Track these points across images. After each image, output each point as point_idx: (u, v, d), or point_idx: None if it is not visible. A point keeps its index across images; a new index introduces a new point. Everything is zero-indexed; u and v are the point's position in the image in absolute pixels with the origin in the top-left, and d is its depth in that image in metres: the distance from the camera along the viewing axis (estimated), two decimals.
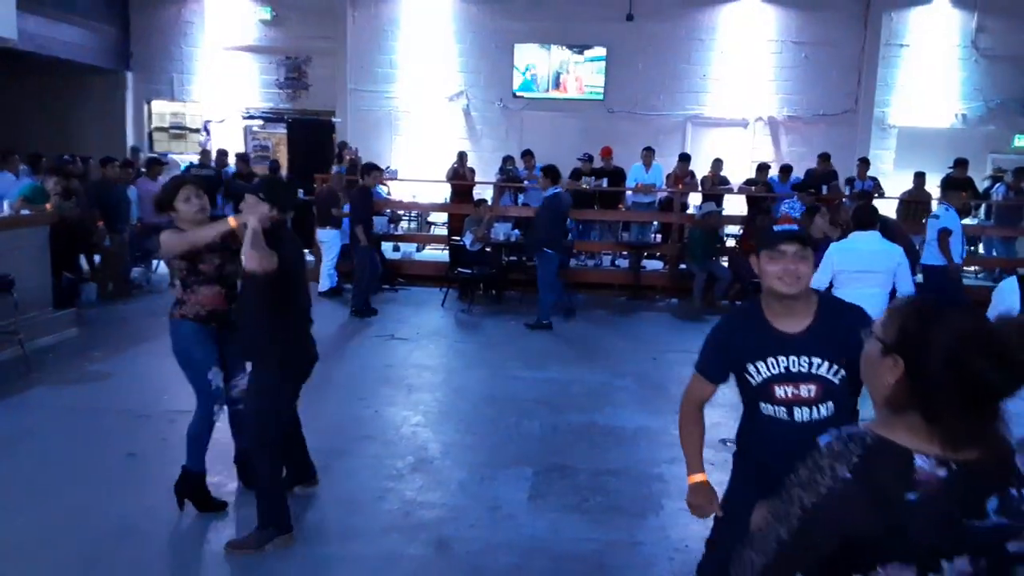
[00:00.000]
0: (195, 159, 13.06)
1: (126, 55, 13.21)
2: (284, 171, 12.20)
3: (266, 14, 12.99)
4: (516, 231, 10.47)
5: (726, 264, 9.79)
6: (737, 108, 13.14)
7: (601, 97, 13.08)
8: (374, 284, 9.16)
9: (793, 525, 1.37)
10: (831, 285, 5.48)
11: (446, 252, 10.61)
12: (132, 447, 4.78)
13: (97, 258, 9.09)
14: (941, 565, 1.34)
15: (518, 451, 4.92)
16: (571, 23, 12.90)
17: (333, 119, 13.04)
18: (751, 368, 2.36)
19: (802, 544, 1.37)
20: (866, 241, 5.35)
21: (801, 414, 2.34)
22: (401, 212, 12.61)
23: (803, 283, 2.31)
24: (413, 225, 13.03)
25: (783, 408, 2.35)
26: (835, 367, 2.32)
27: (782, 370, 2.33)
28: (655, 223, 11.45)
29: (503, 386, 6.26)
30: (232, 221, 3.59)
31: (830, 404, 2.34)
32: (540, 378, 6.49)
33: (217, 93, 13.24)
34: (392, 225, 11.82)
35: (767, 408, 2.37)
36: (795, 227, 2.35)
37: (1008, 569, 1.35)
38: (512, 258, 10.01)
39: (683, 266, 10.02)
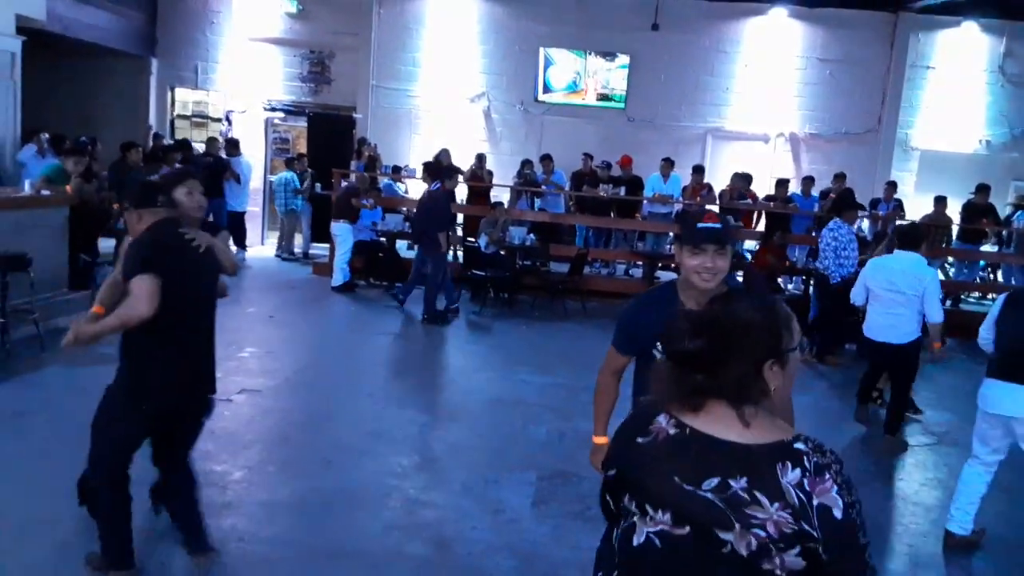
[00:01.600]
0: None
1: (152, 41, 13.30)
2: (305, 164, 12.23)
3: (292, 7, 13.05)
4: (532, 236, 10.48)
5: (740, 279, 9.74)
6: (759, 123, 13.09)
7: (622, 105, 13.07)
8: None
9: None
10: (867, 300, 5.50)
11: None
12: None
13: (114, 241, 9.16)
14: (647, 510, 1.51)
15: (523, 455, 4.91)
16: (596, 29, 12.89)
17: (354, 115, 13.08)
18: (660, 344, 2.44)
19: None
20: (900, 261, 5.32)
21: None
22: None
23: (719, 278, 2.43)
24: None
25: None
26: None
27: None
28: (671, 234, 11.42)
29: (511, 389, 6.26)
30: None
31: None
32: (549, 383, 6.48)
33: (240, 83, 13.30)
34: (407, 224, 11.84)
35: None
36: (718, 226, 2.44)
37: (708, 552, 1.42)
38: (526, 262, 10.00)
39: None
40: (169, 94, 13.49)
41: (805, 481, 1.39)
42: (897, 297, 5.25)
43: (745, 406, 1.47)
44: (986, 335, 4.08)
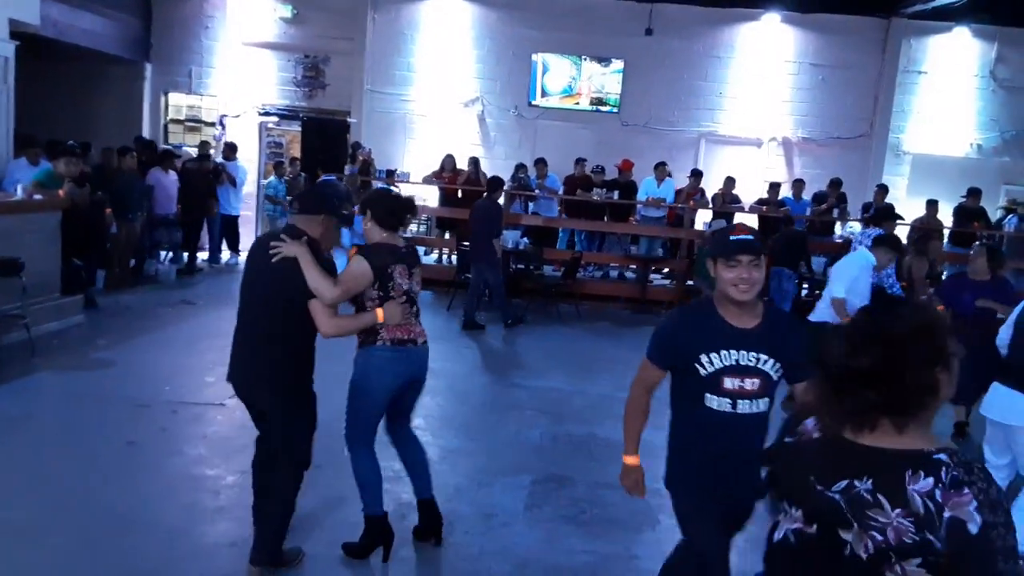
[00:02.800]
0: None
1: (146, 46, 13.28)
2: (297, 168, 12.23)
3: (287, 12, 13.06)
4: (525, 239, 10.49)
5: None
6: (752, 127, 13.13)
7: (616, 110, 13.10)
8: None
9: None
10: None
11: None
12: (132, 436, 4.79)
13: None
14: (787, 507, 1.57)
15: (517, 459, 4.91)
16: (590, 35, 12.93)
17: (348, 119, 13.08)
18: (703, 358, 2.49)
19: None
20: None
21: (743, 406, 2.50)
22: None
23: (755, 289, 2.47)
24: (422, 228, 13.05)
25: (728, 400, 2.50)
26: (777, 364, 2.50)
27: (732, 362, 2.48)
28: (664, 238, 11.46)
29: (505, 393, 6.26)
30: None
31: (766, 399, 2.54)
32: (542, 387, 6.48)
33: (234, 88, 13.29)
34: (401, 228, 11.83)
35: (711, 399, 2.51)
36: (751, 237, 2.48)
37: (832, 552, 1.44)
38: (520, 266, 10.01)
39: (690, 282, 10.01)
40: (163, 99, 13.48)
41: (937, 492, 1.35)
42: None
43: (910, 417, 1.44)
44: (1004, 335, 4.10)
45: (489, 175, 12.06)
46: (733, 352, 2.48)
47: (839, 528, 1.43)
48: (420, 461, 3.76)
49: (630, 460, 2.81)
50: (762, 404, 2.53)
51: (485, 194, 9.06)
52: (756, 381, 2.49)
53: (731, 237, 2.48)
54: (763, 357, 2.49)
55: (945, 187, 11.86)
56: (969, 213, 11.06)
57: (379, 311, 3.36)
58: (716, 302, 2.56)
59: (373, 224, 3.50)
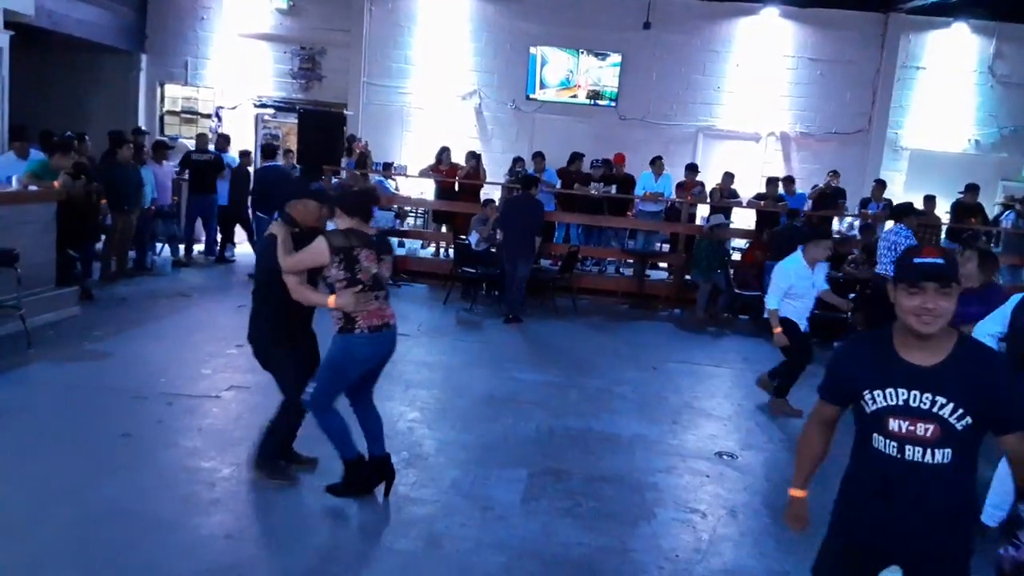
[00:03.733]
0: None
1: (141, 36, 13.22)
2: (294, 160, 12.19)
3: (283, 3, 13.01)
4: None
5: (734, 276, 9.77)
6: (750, 122, 13.12)
7: (613, 103, 13.08)
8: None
9: None
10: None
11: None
12: (128, 427, 4.77)
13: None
14: None
15: (513, 452, 4.90)
16: (587, 28, 12.90)
17: (345, 111, 13.04)
18: (867, 396, 2.24)
19: None
20: None
21: (913, 453, 2.19)
22: (408, 208, 12.60)
23: (942, 321, 2.13)
24: (419, 222, 13.02)
25: (894, 443, 2.20)
26: (960, 411, 2.14)
27: (900, 403, 2.19)
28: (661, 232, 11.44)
29: (501, 387, 6.25)
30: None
31: (948, 451, 2.17)
32: (539, 380, 6.48)
33: (230, 80, 13.24)
34: (398, 220, 11.81)
35: (878, 440, 2.24)
36: (940, 261, 2.13)
37: None
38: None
39: (688, 277, 10.00)
40: (159, 90, 13.43)
41: None
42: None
43: None
44: (990, 326, 4.05)
45: (487, 169, 12.09)
46: (902, 391, 2.18)
47: None
48: (378, 424, 4.16)
49: (793, 492, 2.56)
50: (940, 455, 2.17)
51: (518, 190, 9.25)
52: (930, 427, 2.16)
53: (915, 260, 2.15)
54: (940, 400, 2.14)
55: (943, 183, 11.87)
56: (967, 209, 11.06)
57: (331, 298, 3.75)
58: (895, 332, 2.25)
59: (344, 216, 3.91)
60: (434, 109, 13.24)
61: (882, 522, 2.25)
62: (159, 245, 10.59)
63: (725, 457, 5.15)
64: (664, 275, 11.16)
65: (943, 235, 11.19)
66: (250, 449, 4.35)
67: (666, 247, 11.37)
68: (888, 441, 2.21)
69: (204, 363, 6.20)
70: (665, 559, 3.75)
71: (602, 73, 13.09)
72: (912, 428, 2.17)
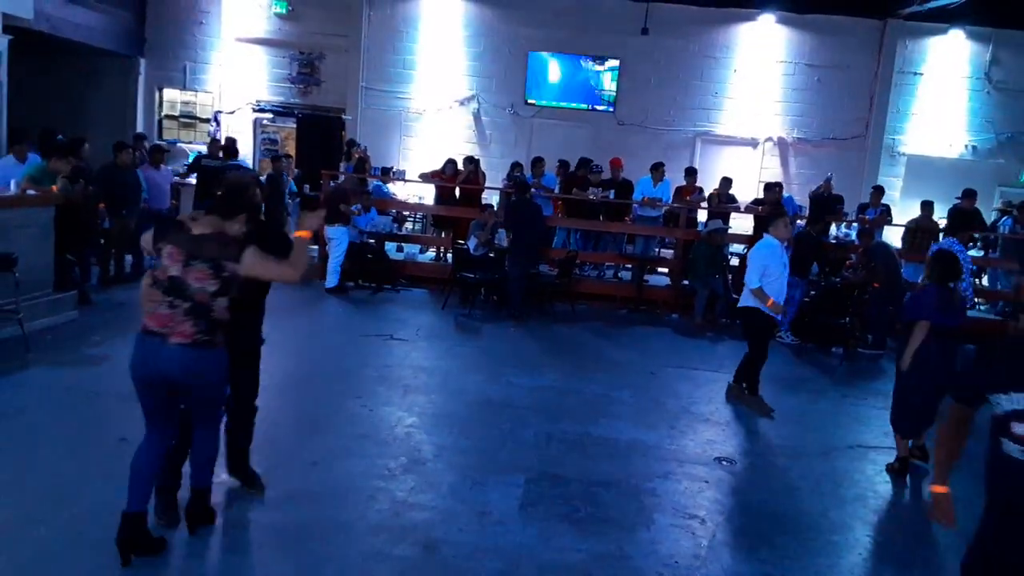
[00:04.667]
0: (203, 148, 13.10)
1: (140, 41, 13.24)
2: (290, 164, 12.21)
3: (282, 8, 13.03)
4: None
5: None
6: (747, 127, 13.15)
7: (611, 109, 13.10)
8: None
9: None
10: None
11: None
12: (125, 432, 4.74)
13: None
14: None
15: (511, 458, 4.90)
16: (586, 34, 12.93)
17: (343, 116, 13.06)
18: (995, 398, 2.24)
19: None
20: None
21: None
22: (407, 213, 12.60)
23: None
24: (417, 227, 13.03)
25: (1020, 448, 2.18)
26: None
27: None
28: (661, 237, 11.45)
29: (499, 392, 6.24)
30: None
31: None
32: (537, 386, 6.48)
33: (229, 84, 13.26)
34: (396, 225, 11.81)
35: (1007, 444, 2.21)
36: None
37: None
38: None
39: (685, 282, 10.00)
40: (157, 94, 13.44)
41: None
42: None
43: None
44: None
45: (485, 174, 12.08)
46: None
47: None
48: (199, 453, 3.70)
49: (935, 489, 2.56)
50: None
51: (515, 193, 9.51)
52: None
53: None
54: None
55: (940, 188, 11.90)
56: (964, 215, 11.08)
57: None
58: None
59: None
60: (432, 114, 13.26)
61: (1013, 531, 2.20)
62: None
63: (724, 463, 5.14)
64: (665, 280, 11.16)
65: (940, 240, 11.21)
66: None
67: (667, 252, 11.36)
68: (1014, 446, 2.18)
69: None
70: (664, 565, 3.74)
71: (600, 78, 13.11)
72: None
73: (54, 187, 7.37)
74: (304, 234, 3.55)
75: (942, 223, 11.28)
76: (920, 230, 10.91)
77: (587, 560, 3.72)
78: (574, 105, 13.20)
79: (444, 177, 11.50)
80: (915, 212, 11.31)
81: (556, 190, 11.44)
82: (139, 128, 12.94)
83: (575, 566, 3.67)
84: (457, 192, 11.42)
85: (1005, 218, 12.08)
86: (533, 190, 11.29)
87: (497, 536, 3.87)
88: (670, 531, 4.12)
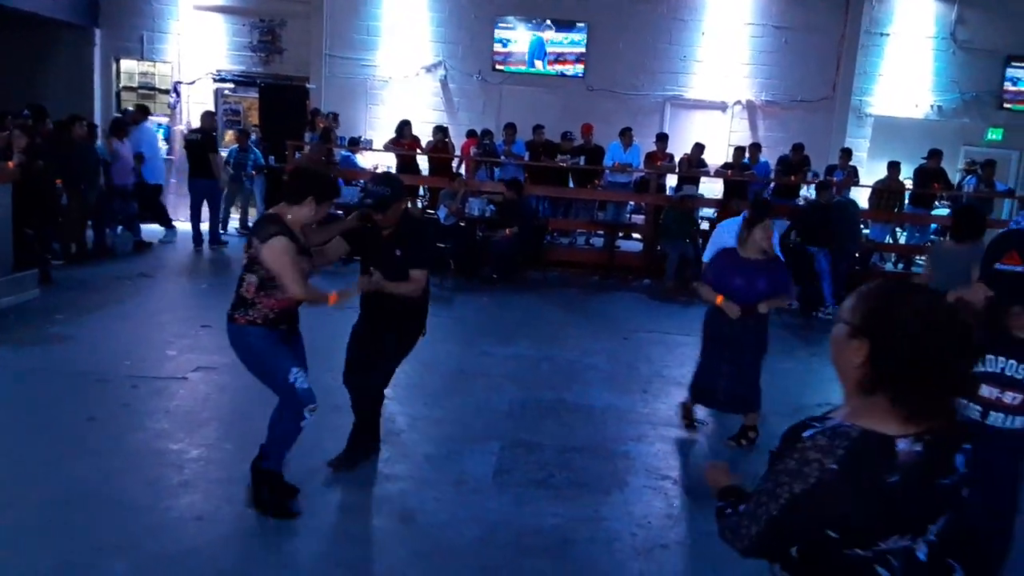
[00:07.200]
0: (163, 120, 12.79)
1: (95, 10, 12.80)
2: (255, 136, 11.97)
3: None
4: (492, 207, 10.40)
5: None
6: (717, 91, 13.11)
7: (581, 74, 12.99)
8: None
9: (782, 506, 1.41)
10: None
11: None
12: (93, 411, 4.69)
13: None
14: (928, 528, 1.40)
15: (485, 426, 4.91)
16: None
17: (307, 85, 12.79)
18: None
19: (790, 523, 1.41)
20: None
21: (995, 419, 2.28)
22: None
23: None
24: None
25: (978, 408, 2.28)
26: None
27: (997, 370, 2.27)
28: (632, 203, 11.44)
29: (472, 361, 6.24)
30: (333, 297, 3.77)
31: None
32: (510, 354, 6.48)
33: (188, 54, 12.89)
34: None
35: (961, 403, 2.24)
36: (1020, 268, 2.26)
37: (960, 513, 1.42)
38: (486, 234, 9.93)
39: (659, 247, 10.03)
40: (114, 65, 13.05)
41: None
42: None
43: None
44: None
45: (454, 142, 11.96)
46: (1001, 360, 2.28)
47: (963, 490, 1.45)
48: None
49: None
50: (1020, 422, 2.29)
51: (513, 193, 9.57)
52: (1020, 397, 2.28)
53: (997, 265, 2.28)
54: None
55: (906, 149, 12.01)
56: (930, 175, 11.22)
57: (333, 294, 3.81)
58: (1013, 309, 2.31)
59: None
60: (399, 81, 13.04)
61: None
62: (120, 226, 10.34)
63: (695, 424, 5.19)
64: (637, 246, 11.17)
65: (906, 201, 11.36)
66: (219, 430, 4.30)
67: (639, 218, 11.36)
68: (972, 405, 2.29)
69: (169, 344, 6.11)
70: (638, 526, 3.79)
71: (569, 43, 12.97)
72: (1001, 396, 2.29)
73: (10, 163, 7.16)
74: (334, 298, 3.75)
75: (908, 184, 11.41)
76: (887, 191, 11.03)
77: (563, 524, 3.75)
78: (543, 71, 13.05)
79: (403, 143, 11.33)
80: (882, 173, 11.43)
81: (526, 158, 11.37)
82: (96, 100, 12.59)
83: (552, 530, 3.70)
84: (427, 161, 11.30)
85: (970, 177, 12.25)
86: (504, 158, 11.24)
87: (473, 504, 3.89)
88: (643, 492, 4.17)
